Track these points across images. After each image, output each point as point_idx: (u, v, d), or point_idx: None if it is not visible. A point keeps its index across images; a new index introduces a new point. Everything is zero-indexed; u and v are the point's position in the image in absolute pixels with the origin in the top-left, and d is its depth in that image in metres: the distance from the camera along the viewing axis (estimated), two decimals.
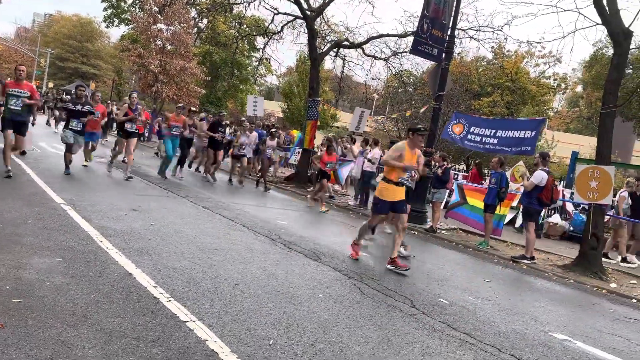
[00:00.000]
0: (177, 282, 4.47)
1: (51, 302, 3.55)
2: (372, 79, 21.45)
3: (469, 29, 15.48)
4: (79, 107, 10.19)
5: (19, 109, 8.73)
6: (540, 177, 8.99)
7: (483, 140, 11.71)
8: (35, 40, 62.36)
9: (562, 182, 15.59)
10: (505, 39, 16.14)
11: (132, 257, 4.98)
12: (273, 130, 16.91)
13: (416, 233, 10.69)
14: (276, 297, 4.57)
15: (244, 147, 13.57)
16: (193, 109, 14.66)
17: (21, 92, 8.71)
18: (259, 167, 15.12)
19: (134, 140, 11.38)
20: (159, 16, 29.65)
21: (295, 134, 21.25)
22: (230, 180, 13.89)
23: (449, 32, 12.24)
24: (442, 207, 11.63)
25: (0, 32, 64.16)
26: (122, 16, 41.28)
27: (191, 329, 3.50)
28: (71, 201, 7.21)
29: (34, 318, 3.26)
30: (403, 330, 4.29)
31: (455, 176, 16.22)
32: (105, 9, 41.69)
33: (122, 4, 40.87)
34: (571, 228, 13.05)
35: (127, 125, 11.17)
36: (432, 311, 4.98)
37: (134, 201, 8.21)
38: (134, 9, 37.60)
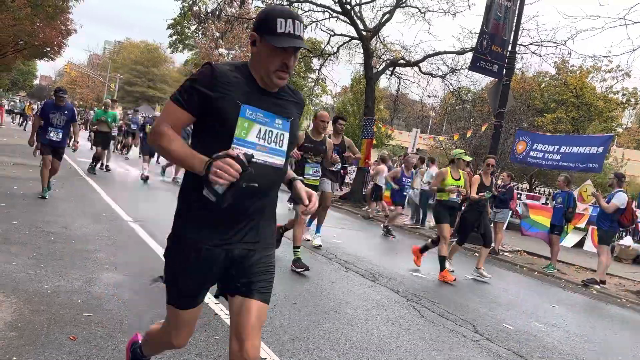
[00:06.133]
0: None
1: (119, 317, 3.69)
2: (429, 96, 21.24)
3: (531, 44, 15.06)
4: None
5: None
6: (623, 198, 8.61)
7: (546, 157, 11.25)
8: (106, 66, 66.33)
9: (633, 202, 14.66)
10: (569, 53, 15.53)
11: None
12: None
13: (477, 255, 10.32)
14: (333, 317, 4.53)
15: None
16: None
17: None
18: None
19: None
20: (221, 41, 30.89)
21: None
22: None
23: (509, 48, 11.96)
24: (504, 227, 11.21)
25: (74, 60, 68.58)
26: (186, 42, 43.27)
27: None
28: (138, 218, 7.52)
29: (103, 332, 3.39)
30: (466, 356, 4.13)
31: (519, 195, 15.64)
32: (170, 35, 43.90)
33: (186, 30, 42.86)
34: None
35: None
36: (496, 337, 4.76)
37: None
38: (197, 34, 39.30)
